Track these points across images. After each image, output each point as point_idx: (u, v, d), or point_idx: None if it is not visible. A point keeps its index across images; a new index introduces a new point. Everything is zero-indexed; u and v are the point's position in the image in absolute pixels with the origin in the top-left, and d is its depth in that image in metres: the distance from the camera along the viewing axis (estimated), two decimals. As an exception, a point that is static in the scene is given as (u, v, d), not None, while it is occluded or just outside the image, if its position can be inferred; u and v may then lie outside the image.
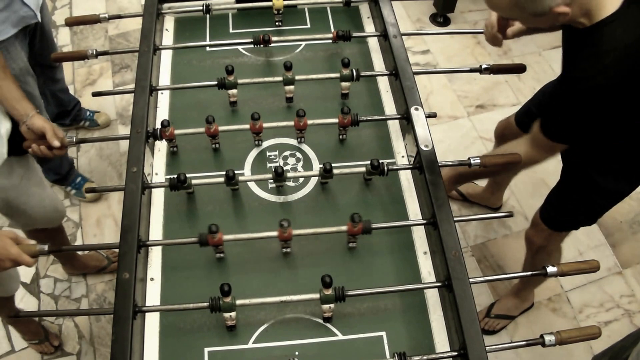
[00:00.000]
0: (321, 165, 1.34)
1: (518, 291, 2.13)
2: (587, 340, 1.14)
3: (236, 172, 1.32)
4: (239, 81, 1.51)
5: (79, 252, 2.19)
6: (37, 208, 1.68)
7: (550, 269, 1.20)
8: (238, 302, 1.15)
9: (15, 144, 1.46)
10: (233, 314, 1.16)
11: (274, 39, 1.61)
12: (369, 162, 1.32)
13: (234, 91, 1.53)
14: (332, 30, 1.76)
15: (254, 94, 1.59)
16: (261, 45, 1.61)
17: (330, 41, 1.65)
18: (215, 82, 1.50)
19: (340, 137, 1.50)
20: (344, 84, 1.54)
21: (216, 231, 1.20)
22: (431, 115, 1.48)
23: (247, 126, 1.43)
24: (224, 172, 1.32)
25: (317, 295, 1.15)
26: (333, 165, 1.33)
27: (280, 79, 1.52)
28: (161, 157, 1.49)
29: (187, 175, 1.31)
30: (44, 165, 2.31)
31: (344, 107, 1.41)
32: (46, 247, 1.19)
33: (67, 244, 2.10)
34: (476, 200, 2.44)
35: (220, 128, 1.43)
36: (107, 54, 1.71)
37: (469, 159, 1.35)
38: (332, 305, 1.16)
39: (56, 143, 1.36)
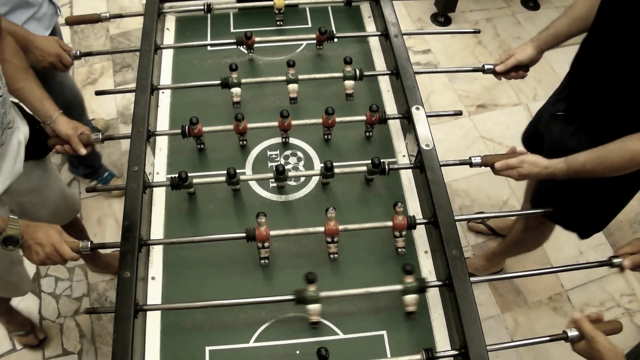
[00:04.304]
0: (322, 165, 1.34)
1: (492, 255, 2.18)
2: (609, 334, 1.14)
3: (237, 171, 1.33)
4: (243, 80, 1.51)
5: (101, 251, 2.20)
6: (55, 206, 1.68)
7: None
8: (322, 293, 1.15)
9: (34, 147, 1.46)
10: (318, 306, 1.15)
11: (274, 38, 1.61)
12: (369, 162, 1.33)
13: (237, 90, 1.51)
14: (333, 29, 1.77)
15: (255, 93, 1.59)
16: (273, 44, 1.61)
17: (335, 41, 1.66)
18: (219, 82, 1.50)
19: (326, 137, 1.50)
20: (347, 83, 1.53)
21: (265, 215, 1.20)
22: (457, 113, 1.51)
23: (275, 123, 1.43)
24: (225, 171, 1.32)
25: (399, 287, 1.17)
26: (334, 164, 1.33)
27: (283, 78, 1.52)
28: (162, 157, 1.49)
29: (189, 175, 1.31)
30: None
31: (329, 107, 1.41)
32: (89, 244, 1.21)
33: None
34: (506, 234, 2.34)
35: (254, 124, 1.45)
36: (91, 54, 1.71)
37: (470, 158, 1.36)
38: (416, 297, 1.16)
39: (82, 151, 1.41)
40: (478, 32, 1.77)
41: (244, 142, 1.49)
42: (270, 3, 1.73)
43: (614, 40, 1.30)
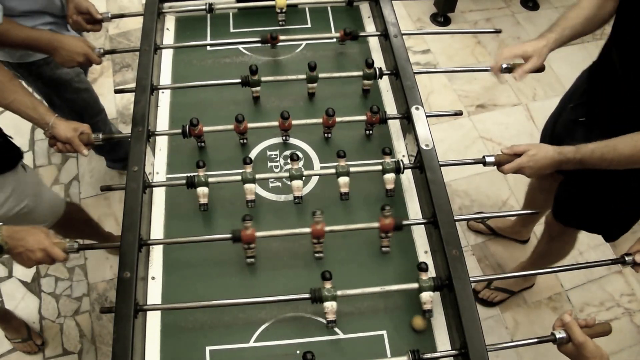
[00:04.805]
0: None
1: (522, 269, 2.14)
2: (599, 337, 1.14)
3: (237, 171, 1.33)
4: (263, 79, 1.52)
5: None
6: (37, 212, 1.67)
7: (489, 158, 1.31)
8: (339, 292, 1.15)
9: None
10: (334, 304, 1.14)
11: (280, 38, 1.61)
12: (382, 160, 1.33)
13: (257, 88, 1.54)
14: (333, 29, 1.77)
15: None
16: (268, 44, 1.62)
17: (335, 40, 1.66)
18: (239, 80, 1.51)
19: (325, 135, 1.50)
20: (366, 81, 1.56)
21: (251, 219, 1.19)
22: (457, 113, 1.51)
23: (275, 123, 1.43)
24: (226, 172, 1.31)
25: (415, 285, 1.17)
26: (334, 164, 1.33)
27: (303, 76, 1.53)
28: (162, 157, 1.49)
29: (199, 175, 1.32)
30: (109, 157, 2.42)
31: (329, 109, 1.41)
32: (76, 245, 1.22)
33: (100, 232, 2.14)
34: (506, 234, 2.40)
35: (255, 124, 1.45)
36: (115, 52, 1.72)
37: (483, 157, 1.35)
38: (334, 304, 1.16)
39: (85, 152, 1.41)
40: (500, 31, 1.76)
41: (245, 141, 1.49)
42: (270, 3, 1.72)
43: (635, 46, 1.29)
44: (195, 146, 1.49)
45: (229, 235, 1.23)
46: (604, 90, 1.46)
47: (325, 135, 1.50)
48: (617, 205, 1.57)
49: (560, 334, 1.10)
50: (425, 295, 1.17)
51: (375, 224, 1.25)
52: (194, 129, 1.40)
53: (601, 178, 1.34)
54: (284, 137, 1.50)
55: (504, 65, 1.54)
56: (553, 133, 1.73)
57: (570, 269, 1.31)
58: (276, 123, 1.43)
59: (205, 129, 1.43)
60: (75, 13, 1.65)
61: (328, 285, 1.15)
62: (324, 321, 1.21)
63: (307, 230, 1.24)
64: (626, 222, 1.66)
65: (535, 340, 1.12)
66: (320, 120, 1.45)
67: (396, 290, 1.19)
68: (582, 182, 1.57)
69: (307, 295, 1.16)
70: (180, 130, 1.42)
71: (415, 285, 1.18)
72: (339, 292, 1.15)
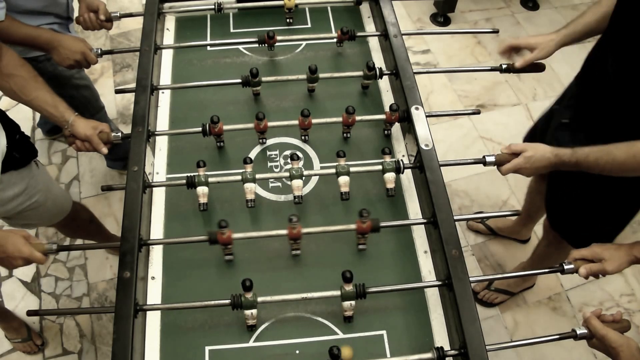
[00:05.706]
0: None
1: (522, 271, 2.15)
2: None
3: (236, 171, 1.33)
4: (263, 79, 1.52)
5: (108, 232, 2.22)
6: (45, 208, 1.68)
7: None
8: (259, 299, 1.16)
9: (14, 158, 1.46)
10: (254, 311, 1.16)
11: (283, 37, 1.62)
12: (382, 160, 1.33)
13: (258, 87, 1.55)
14: (333, 29, 1.77)
15: (252, 94, 1.60)
16: (265, 45, 1.62)
17: (334, 40, 1.66)
18: (239, 80, 1.52)
19: (345, 135, 1.50)
20: (365, 80, 1.57)
21: (226, 226, 1.19)
22: (475, 112, 1.52)
23: (295, 122, 1.44)
24: (231, 171, 1.31)
25: (337, 292, 1.16)
26: (334, 164, 1.33)
27: (304, 77, 1.53)
28: (162, 157, 1.49)
29: (199, 174, 1.32)
30: (109, 156, 2.41)
31: (349, 106, 1.40)
32: (54, 246, 1.23)
33: (104, 232, 2.15)
34: (506, 234, 2.39)
35: (230, 126, 1.43)
36: (112, 52, 1.73)
37: (484, 157, 1.35)
38: (353, 303, 1.17)
39: (104, 151, 1.41)
40: (497, 31, 1.77)
41: (264, 140, 1.49)
42: (270, 3, 1.73)
43: (626, 51, 1.28)
44: (195, 146, 1.49)
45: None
46: (592, 94, 1.45)
47: (345, 135, 1.50)
48: (608, 205, 1.56)
49: (581, 330, 1.11)
50: (346, 304, 1.18)
51: (352, 226, 1.24)
52: (214, 127, 1.40)
53: (587, 181, 1.34)
54: (303, 137, 1.50)
55: (504, 66, 1.54)
56: (535, 132, 1.74)
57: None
58: (296, 122, 1.43)
59: (225, 127, 1.42)
60: (86, 11, 1.68)
61: (249, 295, 1.15)
62: (324, 321, 1.21)
63: (284, 232, 1.23)
64: (620, 221, 1.64)
65: (557, 336, 1.14)
66: (340, 119, 1.44)
67: (318, 297, 1.19)
68: (568, 187, 1.57)
69: (326, 294, 1.17)
70: (179, 130, 1.41)
71: (337, 292, 1.17)
72: (260, 299, 1.16)
